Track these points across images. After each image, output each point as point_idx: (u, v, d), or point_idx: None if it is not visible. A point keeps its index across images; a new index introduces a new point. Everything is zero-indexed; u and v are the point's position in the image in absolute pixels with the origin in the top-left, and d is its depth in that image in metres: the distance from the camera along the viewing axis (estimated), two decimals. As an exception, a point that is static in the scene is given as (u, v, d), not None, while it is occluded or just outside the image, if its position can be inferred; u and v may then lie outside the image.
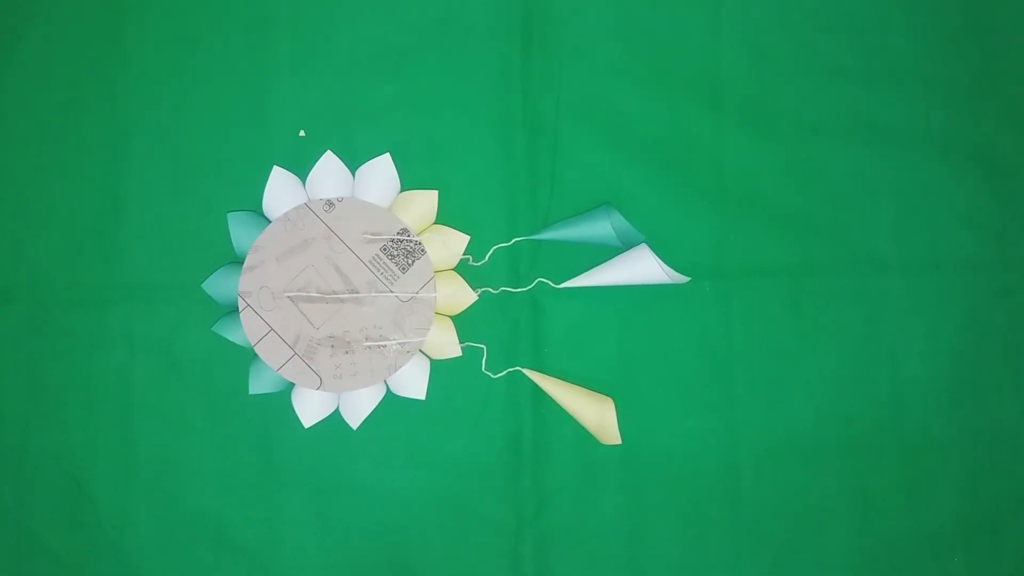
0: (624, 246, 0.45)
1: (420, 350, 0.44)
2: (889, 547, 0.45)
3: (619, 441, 0.44)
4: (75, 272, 0.45)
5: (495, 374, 0.45)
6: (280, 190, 0.44)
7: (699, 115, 0.46)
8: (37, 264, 0.45)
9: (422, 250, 0.44)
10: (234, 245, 0.44)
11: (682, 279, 0.44)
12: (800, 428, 0.45)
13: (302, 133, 0.46)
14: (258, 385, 0.44)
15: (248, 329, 0.44)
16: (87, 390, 0.45)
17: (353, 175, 0.45)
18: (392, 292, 0.44)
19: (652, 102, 0.46)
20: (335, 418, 0.44)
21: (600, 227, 0.44)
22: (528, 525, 0.45)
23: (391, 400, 0.45)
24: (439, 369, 0.45)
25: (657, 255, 0.44)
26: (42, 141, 0.46)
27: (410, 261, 0.44)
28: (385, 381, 0.44)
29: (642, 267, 0.44)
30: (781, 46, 0.47)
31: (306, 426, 0.43)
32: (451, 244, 0.45)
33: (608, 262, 0.44)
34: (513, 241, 0.45)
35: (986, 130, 0.47)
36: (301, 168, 0.45)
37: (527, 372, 0.45)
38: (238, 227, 0.44)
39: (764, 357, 0.46)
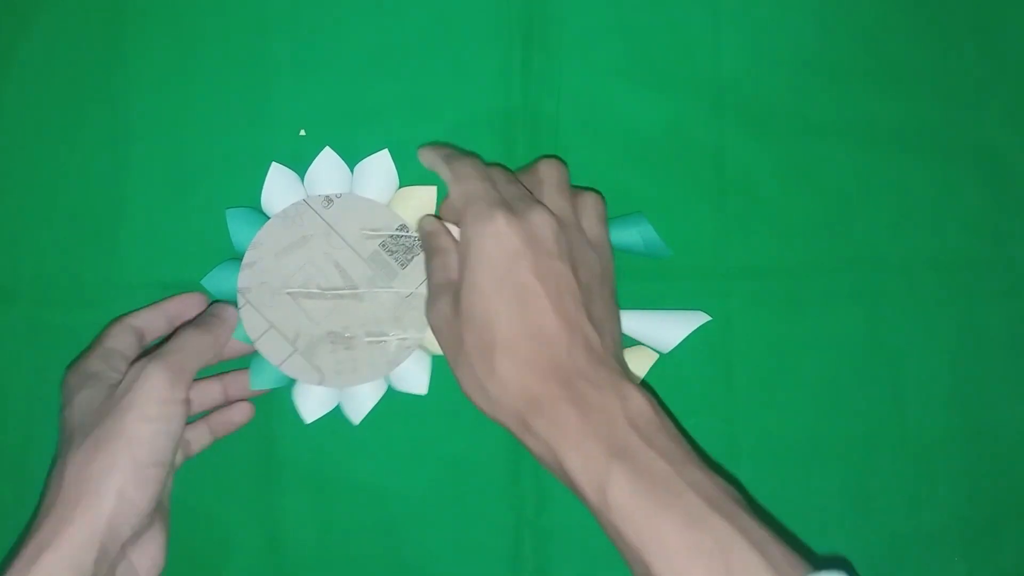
0: (649, 255, 0.44)
1: (421, 345, 0.44)
2: (889, 547, 0.45)
3: (656, 355, 0.44)
4: (75, 272, 0.45)
5: None
6: (279, 186, 0.44)
7: (699, 115, 0.46)
8: (37, 264, 0.45)
9: (421, 246, 0.44)
10: (233, 241, 0.44)
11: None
12: (800, 428, 0.46)
13: (302, 133, 0.46)
14: (259, 381, 0.43)
15: (248, 326, 0.43)
16: (87, 390, 0.45)
17: (352, 171, 0.45)
18: (392, 288, 0.44)
19: (652, 102, 0.46)
20: (336, 415, 0.44)
21: (628, 234, 0.44)
22: (528, 524, 0.45)
23: (391, 398, 0.44)
24: (441, 365, 0.44)
25: (659, 259, 0.44)
26: (42, 141, 0.46)
27: (409, 257, 0.44)
28: (386, 376, 0.44)
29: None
30: (781, 46, 0.47)
31: (307, 422, 0.43)
32: None
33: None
34: None
35: (987, 129, 0.47)
36: (302, 167, 0.45)
37: None
38: (237, 223, 0.44)
39: (764, 357, 0.46)
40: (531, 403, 0.35)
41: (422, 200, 0.45)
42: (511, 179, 0.42)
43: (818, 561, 0.32)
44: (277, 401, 0.44)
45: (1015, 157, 0.47)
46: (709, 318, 0.44)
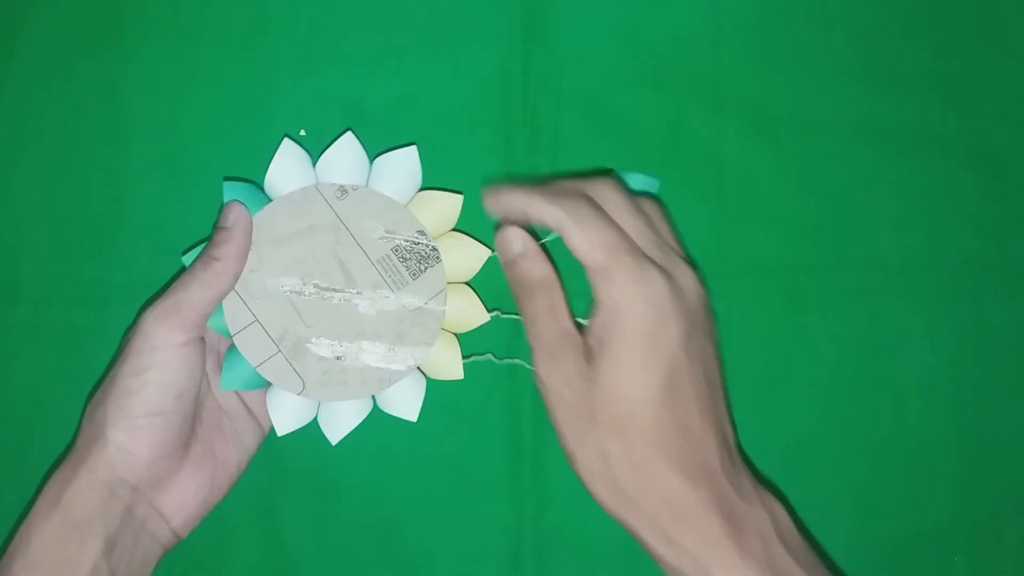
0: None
1: (418, 368, 0.41)
2: (889, 547, 0.45)
3: None
4: (75, 272, 0.45)
5: (499, 359, 0.43)
6: (288, 166, 0.40)
7: (699, 114, 0.46)
8: (37, 264, 0.45)
9: (437, 257, 0.41)
10: None
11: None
12: (800, 428, 0.46)
13: (302, 132, 0.45)
14: (230, 381, 0.40)
15: (230, 317, 0.39)
16: (87, 390, 0.45)
17: (371, 163, 0.42)
18: (399, 298, 0.41)
19: (652, 101, 0.46)
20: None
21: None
22: (528, 524, 0.45)
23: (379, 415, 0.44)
24: (436, 391, 0.43)
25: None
26: (42, 141, 0.46)
27: (423, 267, 0.41)
28: (373, 396, 0.42)
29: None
30: (782, 45, 0.47)
31: (280, 434, 0.41)
32: (470, 256, 0.41)
33: None
34: None
35: (987, 129, 0.47)
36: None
37: None
38: (234, 198, 0.40)
39: (764, 357, 0.46)
40: (677, 510, 0.32)
41: (446, 207, 0.41)
42: (634, 213, 0.36)
43: None
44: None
45: (1015, 157, 0.47)
46: None
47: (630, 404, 0.33)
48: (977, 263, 0.47)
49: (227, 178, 0.41)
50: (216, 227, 0.39)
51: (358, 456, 0.45)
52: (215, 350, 0.41)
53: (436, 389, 0.44)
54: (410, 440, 0.45)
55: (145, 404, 0.36)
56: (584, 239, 0.34)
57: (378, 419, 0.44)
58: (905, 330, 0.46)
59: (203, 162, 0.45)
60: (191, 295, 0.37)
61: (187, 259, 0.40)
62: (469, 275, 0.42)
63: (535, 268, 0.36)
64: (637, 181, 0.41)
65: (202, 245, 0.41)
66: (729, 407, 0.37)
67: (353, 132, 0.42)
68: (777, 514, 0.34)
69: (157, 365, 0.36)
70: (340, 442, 0.44)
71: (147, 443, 0.36)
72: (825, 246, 0.46)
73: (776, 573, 0.31)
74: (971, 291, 0.46)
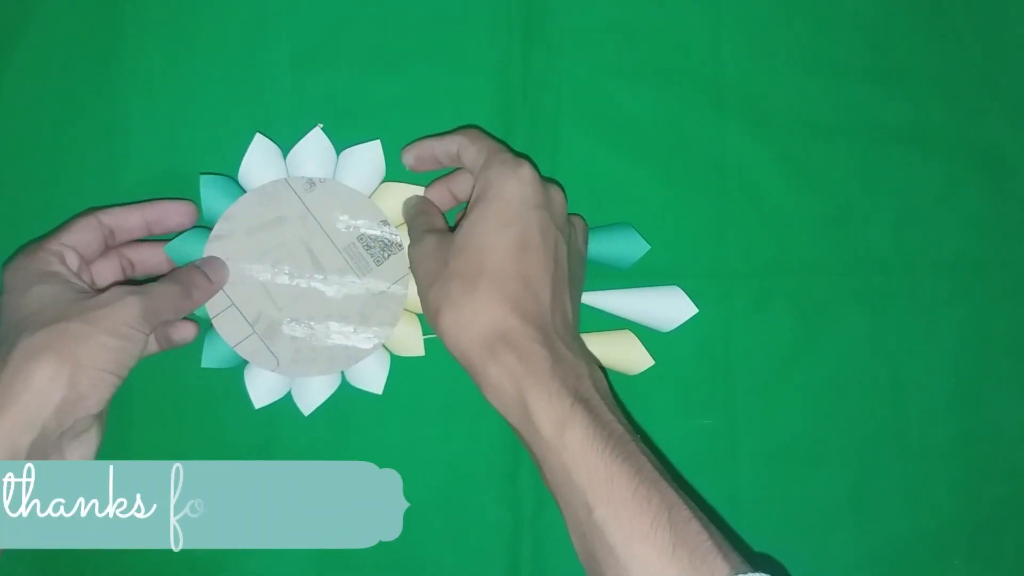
0: (620, 259, 0.44)
1: (383, 345, 0.44)
2: (889, 548, 0.45)
3: (652, 362, 0.44)
4: (74, 270, 0.45)
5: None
6: (260, 160, 0.43)
7: (700, 113, 0.46)
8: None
9: (399, 245, 0.43)
10: (203, 209, 0.43)
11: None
12: (800, 428, 0.45)
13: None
14: (211, 359, 0.43)
15: (209, 301, 0.42)
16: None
17: (338, 156, 0.44)
18: (363, 283, 0.43)
19: (653, 100, 0.46)
20: (329, 413, 0.44)
21: (618, 246, 0.44)
22: (526, 526, 0.45)
23: (390, 400, 0.44)
24: (399, 366, 0.44)
25: (659, 258, 0.44)
26: (40, 140, 0.46)
27: (386, 255, 0.43)
28: (343, 372, 0.44)
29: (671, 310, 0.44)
30: (783, 44, 0.47)
31: (256, 406, 0.43)
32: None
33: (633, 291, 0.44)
34: None
35: (990, 129, 0.47)
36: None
37: None
38: (210, 191, 0.43)
39: (764, 357, 0.46)
40: (505, 334, 0.35)
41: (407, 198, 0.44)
42: None
43: (749, 558, 0.33)
44: (274, 404, 0.44)
45: (1018, 157, 0.47)
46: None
47: (479, 252, 0.37)
48: (980, 264, 0.46)
49: (203, 173, 0.43)
50: (199, 274, 0.41)
51: (356, 457, 0.45)
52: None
53: (436, 392, 0.44)
54: (409, 441, 0.45)
55: (114, 363, 0.37)
56: (475, 148, 0.40)
57: (378, 419, 0.44)
58: (906, 331, 0.46)
59: (200, 161, 0.45)
60: (164, 309, 0.39)
61: (170, 248, 0.43)
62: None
63: (428, 205, 0.43)
64: (627, 238, 0.44)
65: (185, 233, 0.43)
66: (576, 302, 0.40)
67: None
68: (595, 370, 0.36)
69: (131, 338, 0.38)
70: (338, 444, 0.45)
71: (101, 395, 0.37)
72: (826, 247, 0.46)
73: (582, 400, 0.34)
74: (972, 292, 0.46)
